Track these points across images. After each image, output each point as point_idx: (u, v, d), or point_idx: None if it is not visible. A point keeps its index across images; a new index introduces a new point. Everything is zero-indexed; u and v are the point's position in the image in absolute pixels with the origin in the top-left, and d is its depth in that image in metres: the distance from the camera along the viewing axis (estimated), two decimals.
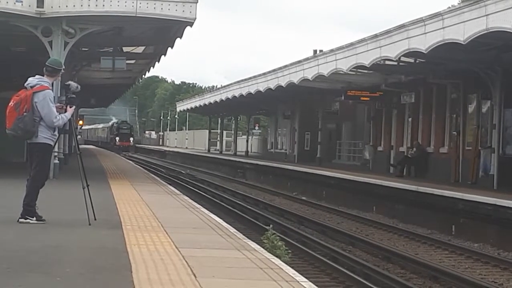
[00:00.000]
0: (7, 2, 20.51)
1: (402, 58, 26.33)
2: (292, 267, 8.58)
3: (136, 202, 15.16)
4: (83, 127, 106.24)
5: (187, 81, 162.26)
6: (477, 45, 21.64)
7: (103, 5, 21.34)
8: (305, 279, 7.35)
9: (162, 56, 31.14)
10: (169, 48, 28.31)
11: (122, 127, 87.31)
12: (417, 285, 12.81)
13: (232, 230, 11.26)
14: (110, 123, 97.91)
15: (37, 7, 20.55)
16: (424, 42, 22.87)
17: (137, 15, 21.38)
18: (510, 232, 18.14)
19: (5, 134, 11.19)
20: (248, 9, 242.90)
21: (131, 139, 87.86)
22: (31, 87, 10.62)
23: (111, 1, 21.37)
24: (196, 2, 21.42)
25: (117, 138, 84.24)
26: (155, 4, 21.48)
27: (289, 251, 14.15)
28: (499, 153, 25.14)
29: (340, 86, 36.05)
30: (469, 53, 23.44)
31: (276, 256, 9.76)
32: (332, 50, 31.40)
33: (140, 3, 21.29)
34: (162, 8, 21.50)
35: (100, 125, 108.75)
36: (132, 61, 33.31)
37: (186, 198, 17.57)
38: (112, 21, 22.48)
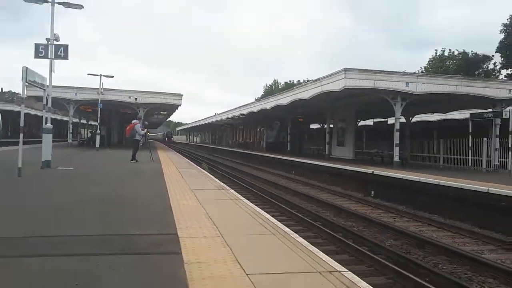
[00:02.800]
0: (129, 97, 28.93)
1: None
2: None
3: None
4: (150, 134, 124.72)
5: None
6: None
7: (155, 100, 30.27)
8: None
9: (173, 114, 42.43)
10: (175, 111, 38.55)
11: (168, 134, 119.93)
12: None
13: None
14: (165, 131, 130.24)
15: (135, 99, 29.31)
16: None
17: (161, 103, 30.70)
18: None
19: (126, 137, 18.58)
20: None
21: (172, 138, 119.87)
22: (133, 123, 18.50)
23: (154, 97, 30.11)
24: (182, 95, 31.38)
25: (166, 138, 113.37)
26: (166, 98, 29.87)
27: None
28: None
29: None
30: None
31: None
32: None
33: (161, 97, 30.10)
34: (168, 100, 30.36)
35: (160, 132, 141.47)
36: (163, 114, 44.15)
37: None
38: (156, 105, 31.65)
